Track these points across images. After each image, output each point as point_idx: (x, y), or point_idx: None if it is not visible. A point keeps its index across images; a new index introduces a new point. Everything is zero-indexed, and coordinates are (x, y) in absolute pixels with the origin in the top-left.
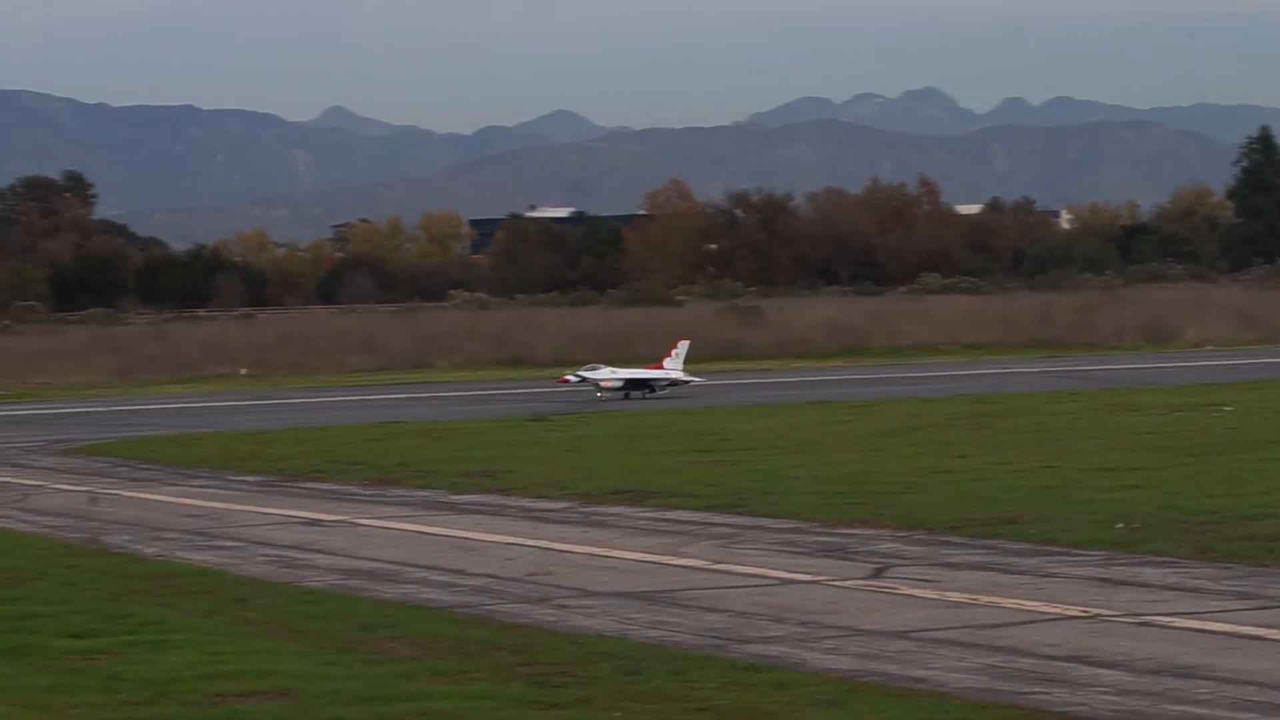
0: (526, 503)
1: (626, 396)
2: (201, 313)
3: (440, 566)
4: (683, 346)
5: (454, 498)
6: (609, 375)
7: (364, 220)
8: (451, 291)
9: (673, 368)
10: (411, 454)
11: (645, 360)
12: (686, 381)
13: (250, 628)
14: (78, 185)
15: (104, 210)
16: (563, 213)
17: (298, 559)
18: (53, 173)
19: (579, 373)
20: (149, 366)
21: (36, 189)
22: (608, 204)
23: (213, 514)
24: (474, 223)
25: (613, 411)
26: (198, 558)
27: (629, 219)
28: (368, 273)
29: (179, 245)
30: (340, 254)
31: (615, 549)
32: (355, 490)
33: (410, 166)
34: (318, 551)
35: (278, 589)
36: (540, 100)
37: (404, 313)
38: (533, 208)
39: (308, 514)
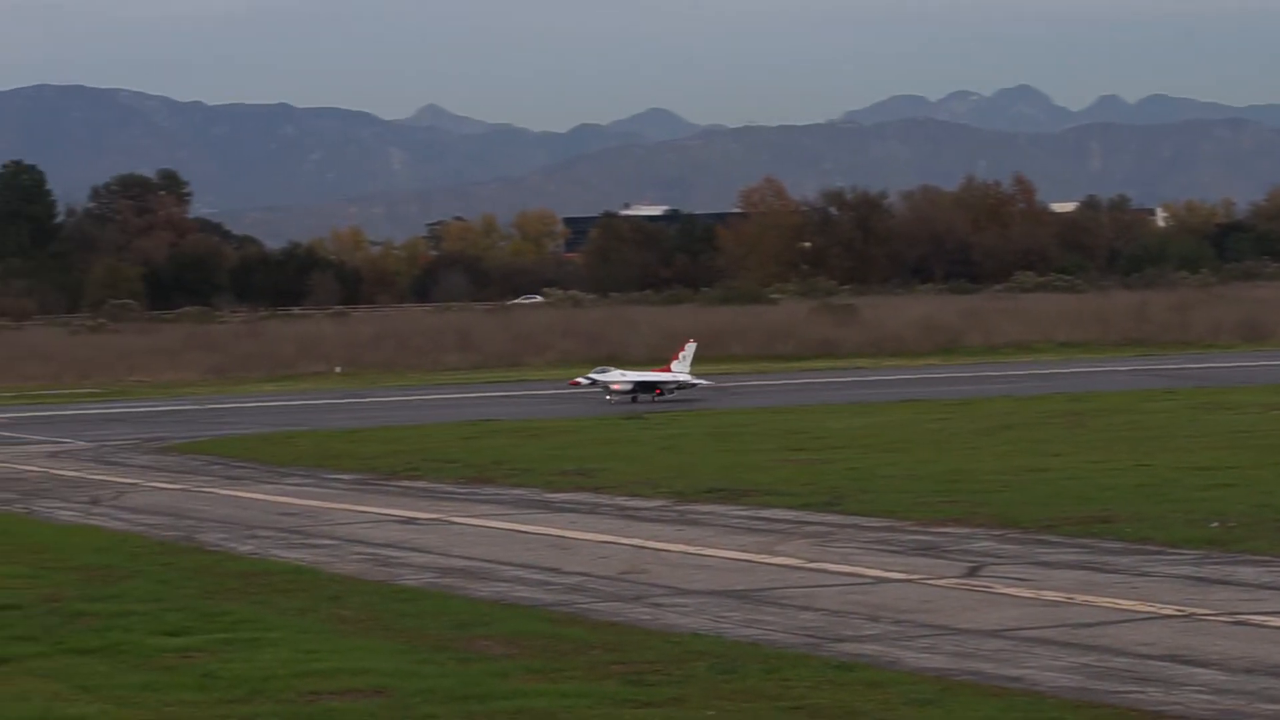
0: (621, 501)
1: (634, 400)
2: (296, 310)
3: (534, 565)
4: (690, 348)
5: (548, 496)
6: (619, 377)
7: (458, 218)
8: (545, 289)
9: (680, 370)
10: (506, 452)
11: (738, 360)
12: (694, 384)
13: (345, 626)
14: (173, 183)
15: (199, 208)
16: (657, 211)
17: (392, 557)
18: (148, 171)
19: (590, 375)
20: (244, 364)
21: (132, 187)
22: (702, 202)
23: (307, 512)
24: (568, 221)
25: (707, 409)
26: (292, 556)
27: (723, 217)
28: (462, 271)
29: (274, 243)
30: (435, 252)
31: (709, 547)
32: (450, 488)
33: (505, 164)
34: (412, 549)
35: (372, 587)
36: (635, 98)
37: (498, 311)
38: (627, 206)
39: (402, 512)
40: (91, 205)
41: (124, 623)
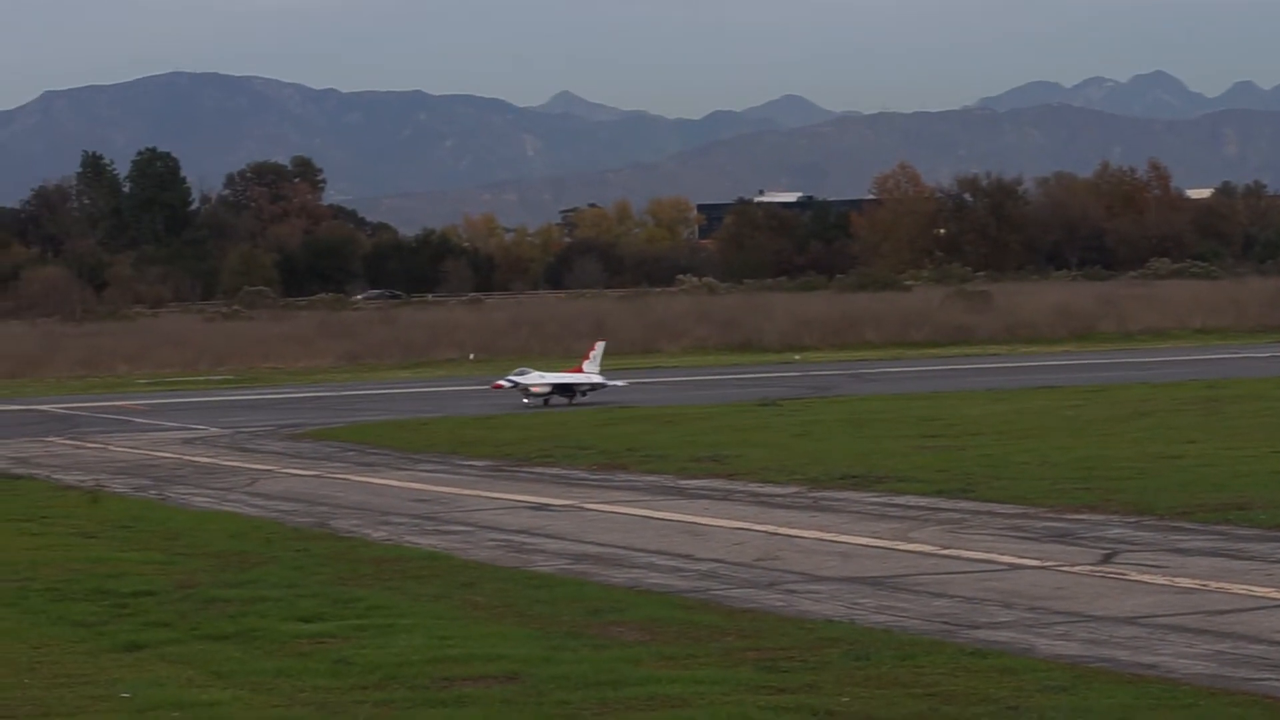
0: (754, 487)
1: (546, 403)
2: (430, 297)
3: (668, 551)
4: (599, 348)
5: (682, 482)
6: (537, 380)
7: (592, 205)
8: (680, 276)
9: (591, 371)
10: (639, 439)
11: (873, 347)
12: (604, 385)
13: (478, 612)
14: (307, 171)
15: (333, 195)
16: (791, 197)
17: (526, 543)
18: (282, 158)
19: (510, 377)
20: (377, 351)
21: (266, 174)
22: (836, 189)
23: (440, 498)
24: (702, 207)
25: (840, 396)
26: (426, 542)
27: (857, 204)
28: (596, 257)
29: (407, 230)
30: (568, 239)
31: (843, 534)
32: (583, 475)
33: (639, 151)
34: (545, 536)
35: (505, 573)
36: (769, 85)
37: (632, 297)
38: (761, 192)
39: (535, 498)
40: (226, 192)
41: (258, 609)
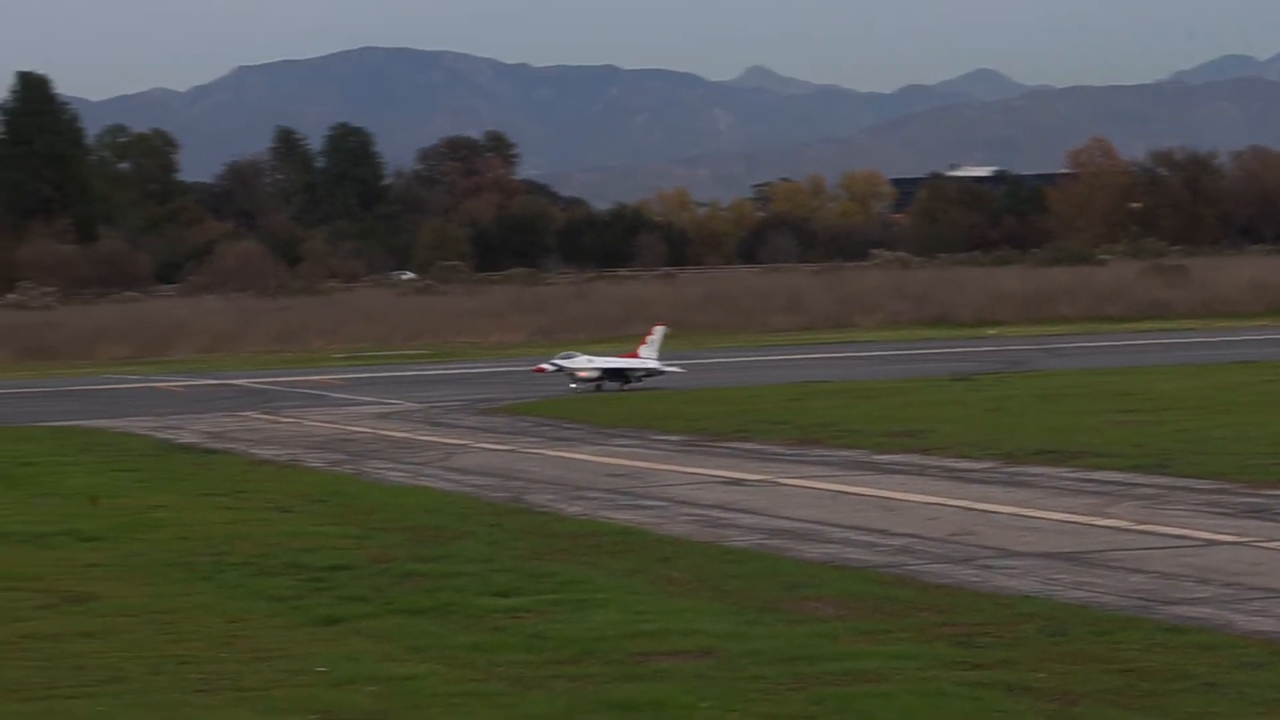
0: (949, 462)
1: (598, 388)
2: (623, 272)
3: (862, 526)
4: (658, 333)
5: (876, 457)
6: (585, 364)
7: (785, 179)
8: (873, 251)
9: (648, 356)
10: (834, 414)
11: (1067, 321)
12: (661, 371)
13: (673, 587)
14: (500, 145)
15: (525, 170)
16: (984, 172)
17: (720, 518)
18: (475, 133)
19: (554, 360)
20: (570, 326)
21: (459, 149)
22: (1030, 163)
23: (635, 473)
24: (895, 182)
25: (1035, 371)
26: (621, 517)
27: (1051, 178)
28: (789, 232)
29: (600, 205)
30: (761, 213)
31: (1038, 509)
32: (777, 450)
33: (831, 125)
34: (740, 511)
35: (700, 548)
36: (962, 58)
37: (825, 272)
38: (954, 167)
39: (730, 473)
40: (419, 167)
41: (453, 583)
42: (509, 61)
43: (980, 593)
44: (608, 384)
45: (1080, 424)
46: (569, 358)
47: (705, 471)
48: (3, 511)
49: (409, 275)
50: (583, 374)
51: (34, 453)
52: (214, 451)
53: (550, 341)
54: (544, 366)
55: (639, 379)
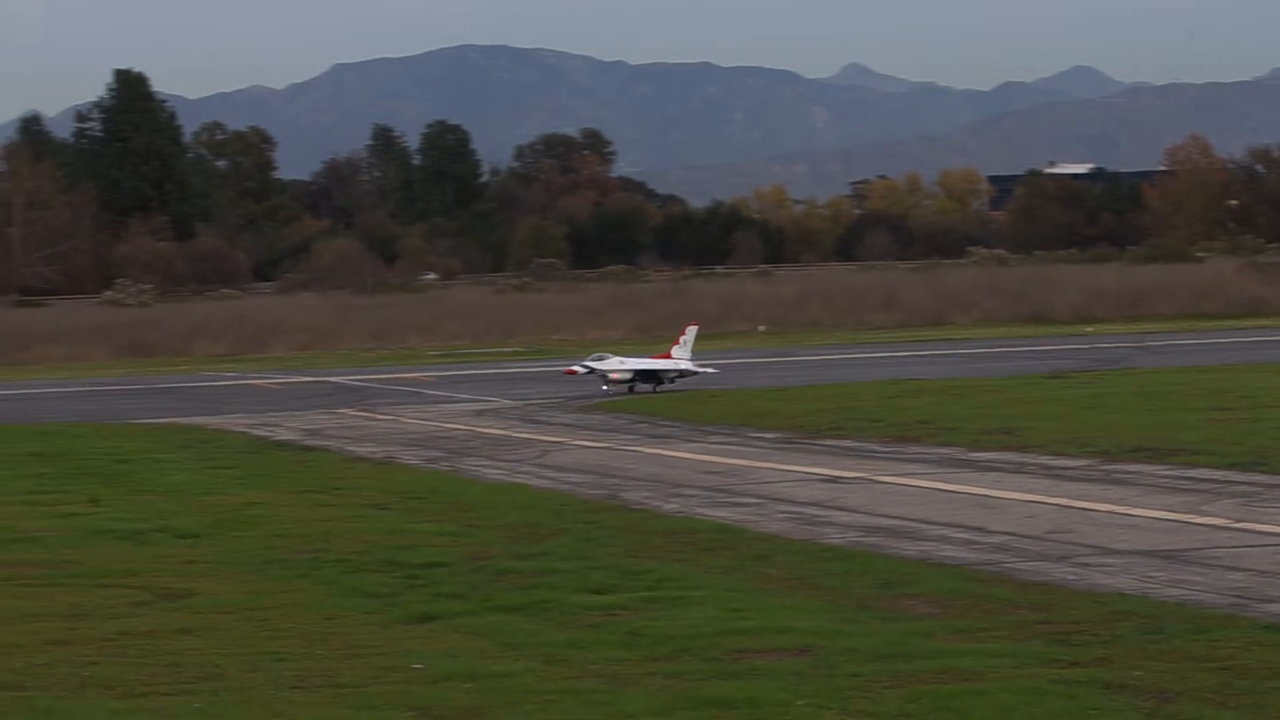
0: (1046, 460)
1: (631, 390)
2: (720, 269)
3: (959, 524)
4: (691, 333)
5: (973, 455)
6: (617, 366)
7: (882, 177)
8: (970, 248)
9: (681, 356)
10: (930, 411)
11: (1164, 319)
12: (694, 372)
13: (770, 584)
14: (596, 143)
15: (622, 167)
16: (1082, 169)
17: (817, 516)
18: (571, 130)
19: (586, 362)
20: (668, 323)
21: (556, 147)
22: (1128, 160)
23: (731, 470)
24: (992, 179)
25: (1131, 369)
26: (717, 514)
27: (1149, 175)
28: (886, 229)
29: (697, 202)
30: (858, 210)
31: (1135, 506)
32: (874, 447)
33: (928, 123)
34: (836, 508)
35: (797, 546)
36: (1060, 55)
37: (922, 269)
38: (1052, 164)
39: (826, 471)
40: (516, 165)
41: (549, 580)
42: (606, 59)
43: (1077, 590)
44: (640, 386)
45: (1177, 421)
46: (601, 359)
47: (802, 469)
48: (100, 508)
49: (432, 276)
50: (615, 376)
51: (131, 450)
52: (311, 448)
53: (647, 338)
54: (576, 369)
55: (671, 380)
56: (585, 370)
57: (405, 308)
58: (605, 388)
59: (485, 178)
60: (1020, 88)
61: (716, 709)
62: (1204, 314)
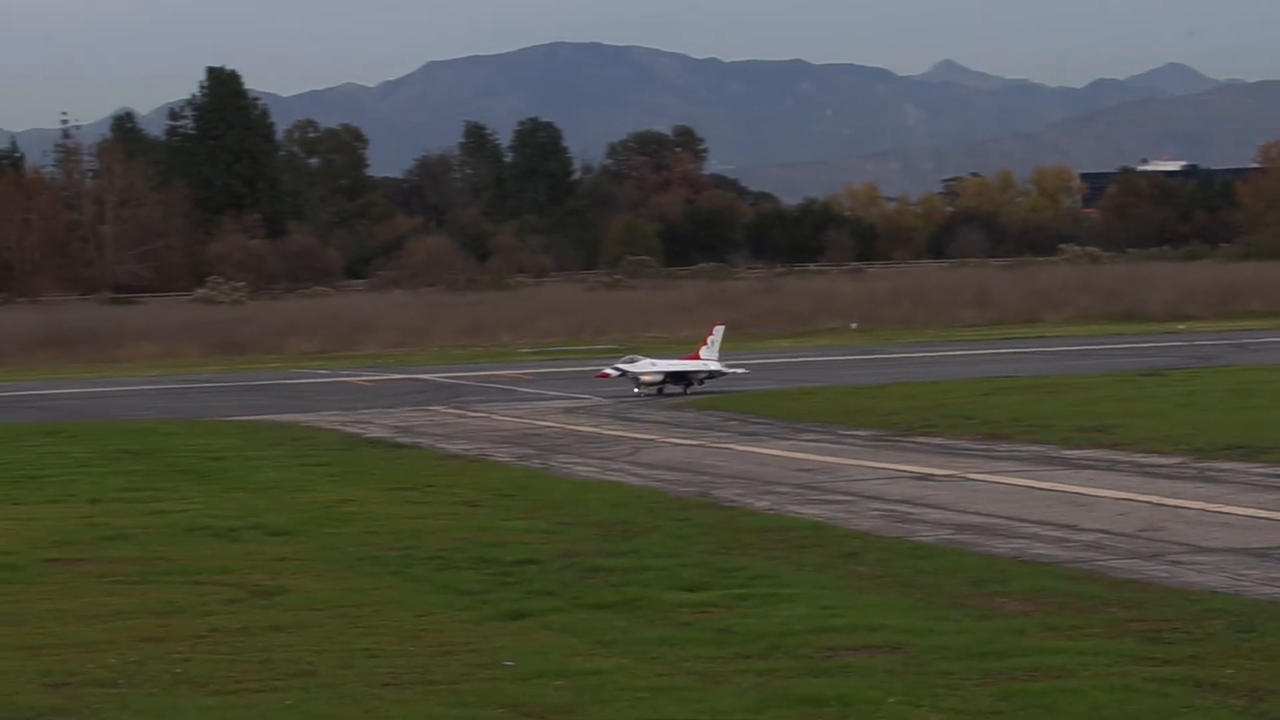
0: (1138, 458)
1: (660, 392)
2: (812, 267)
3: (1051, 522)
4: (718, 333)
5: (1065, 453)
6: (648, 367)
7: (974, 174)
8: (1062, 246)
9: (709, 357)
10: (1022, 409)
11: (1257, 316)
12: (723, 373)
13: (861, 582)
14: (688, 140)
15: (714, 165)
16: (1175, 166)
17: (908, 513)
18: (664, 128)
19: (618, 364)
20: (760, 321)
21: (648, 144)
22: (1221, 157)
23: (823, 468)
24: (1085, 176)
25: (1224, 366)
26: (809, 512)
27: (1242, 173)
28: (978, 227)
29: (789, 200)
30: (950, 208)
31: (1229, 505)
32: (966, 444)
33: (1020, 120)
34: (928, 506)
35: (888, 543)
36: (1153, 52)
37: (1014, 267)
38: (1144, 161)
39: (918, 468)
40: (608, 162)
41: (641, 578)
42: (698, 56)
43: (1169, 589)
44: (670, 387)
45: (1271, 419)
46: (632, 361)
47: (894, 466)
48: (192, 505)
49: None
50: (646, 378)
51: (223, 447)
52: (403, 446)
53: (738, 334)
54: (608, 371)
55: (701, 381)
56: (618, 373)
57: (497, 305)
58: (636, 390)
59: (577, 175)
60: (1113, 85)
61: (807, 707)
62: None
